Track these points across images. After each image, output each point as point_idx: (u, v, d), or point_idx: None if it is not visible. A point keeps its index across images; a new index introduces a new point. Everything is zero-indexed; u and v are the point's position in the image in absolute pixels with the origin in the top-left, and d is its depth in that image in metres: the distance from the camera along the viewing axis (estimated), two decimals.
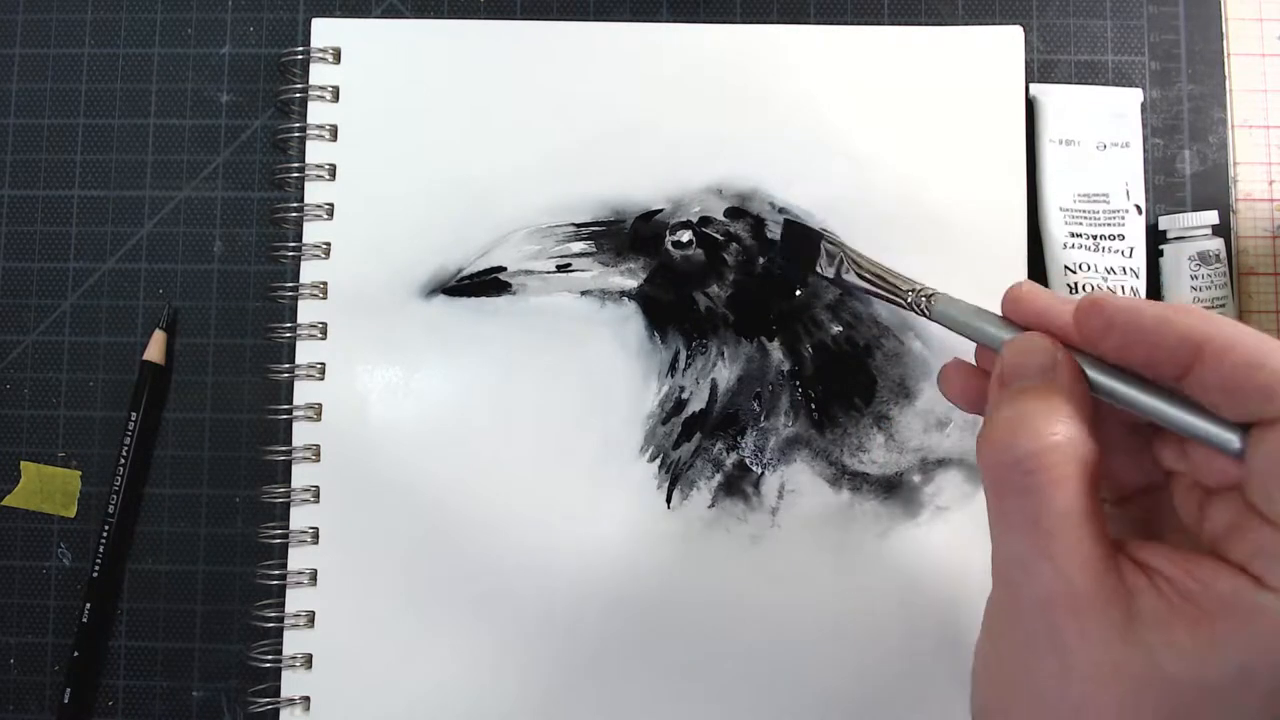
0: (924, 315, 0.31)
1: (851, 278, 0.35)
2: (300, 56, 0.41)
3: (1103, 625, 0.22)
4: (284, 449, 0.40)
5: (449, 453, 0.39)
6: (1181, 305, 0.24)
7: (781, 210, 0.40)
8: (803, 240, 0.38)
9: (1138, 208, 0.40)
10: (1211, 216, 0.40)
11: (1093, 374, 0.24)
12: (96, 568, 0.39)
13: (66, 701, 0.39)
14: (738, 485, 0.39)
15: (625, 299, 0.40)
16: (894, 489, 0.39)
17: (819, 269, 0.36)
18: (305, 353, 0.40)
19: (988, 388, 0.26)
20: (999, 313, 0.28)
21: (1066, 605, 0.22)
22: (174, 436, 0.41)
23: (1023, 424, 0.23)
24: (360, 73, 0.41)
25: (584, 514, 0.39)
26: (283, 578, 0.39)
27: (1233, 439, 0.22)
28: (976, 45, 0.41)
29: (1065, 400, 0.23)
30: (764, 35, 0.41)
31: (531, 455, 0.39)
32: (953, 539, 0.39)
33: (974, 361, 0.30)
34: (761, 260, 0.40)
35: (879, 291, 0.33)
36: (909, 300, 0.31)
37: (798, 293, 0.39)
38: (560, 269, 0.40)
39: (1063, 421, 0.23)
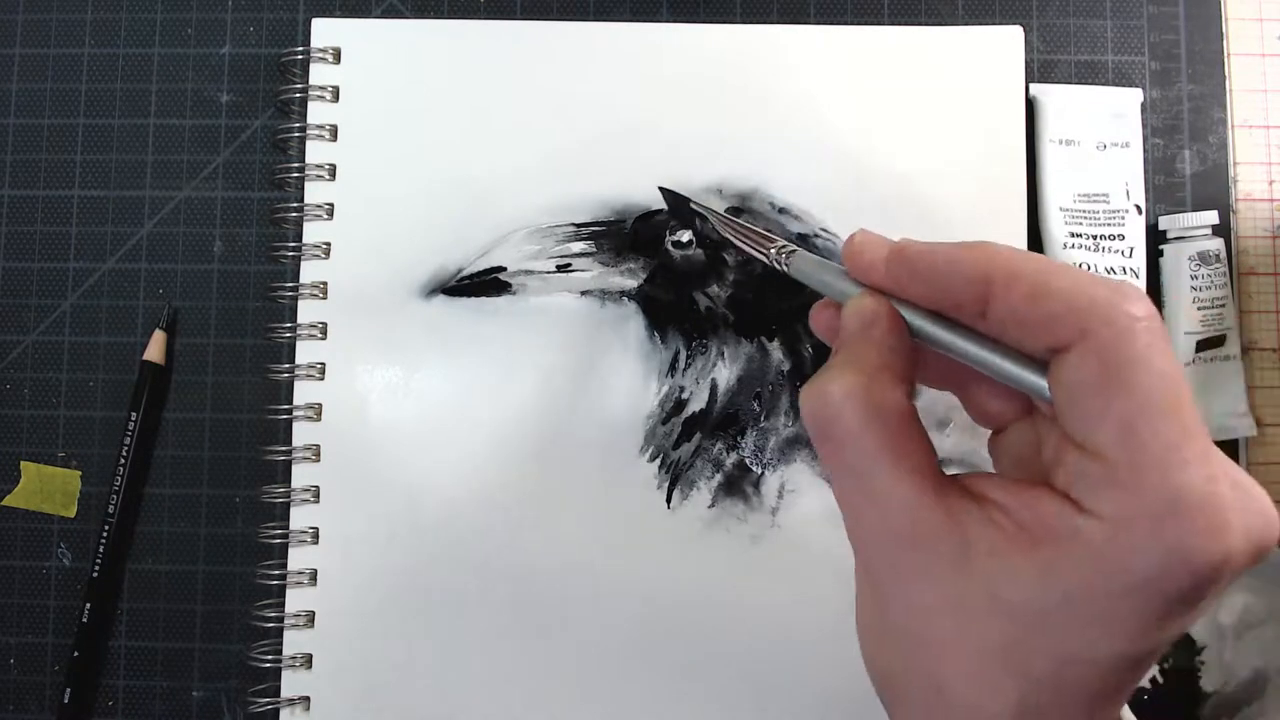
0: (784, 271, 0.30)
1: (726, 233, 0.34)
2: (300, 56, 0.41)
3: (936, 559, 0.22)
4: (284, 449, 0.40)
5: (449, 453, 0.39)
6: (976, 242, 0.23)
7: (782, 210, 0.40)
8: (676, 205, 0.40)
9: (1138, 208, 0.40)
10: (1211, 216, 0.40)
11: (917, 323, 0.25)
12: (96, 568, 0.39)
13: (66, 701, 0.39)
14: (738, 485, 0.39)
15: (625, 299, 0.40)
16: None
17: (696, 226, 0.39)
18: (305, 353, 0.40)
19: None
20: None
21: (897, 542, 0.22)
22: (174, 436, 0.41)
23: (828, 378, 0.23)
24: (360, 73, 0.41)
25: (584, 514, 0.39)
26: (283, 578, 0.39)
27: (1039, 382, 0.22)
28: (976, 45, 0.41)
29: (872, 352, 0.24)
30: (764, 35, 0.41)
31: (531, 455, 0.39)
32: None
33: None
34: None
35: (746, 248, 0.32)
36: (771, 256, 0.31)
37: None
38: (560, 269, 0.40)
39: (864, 372, 0.23)
